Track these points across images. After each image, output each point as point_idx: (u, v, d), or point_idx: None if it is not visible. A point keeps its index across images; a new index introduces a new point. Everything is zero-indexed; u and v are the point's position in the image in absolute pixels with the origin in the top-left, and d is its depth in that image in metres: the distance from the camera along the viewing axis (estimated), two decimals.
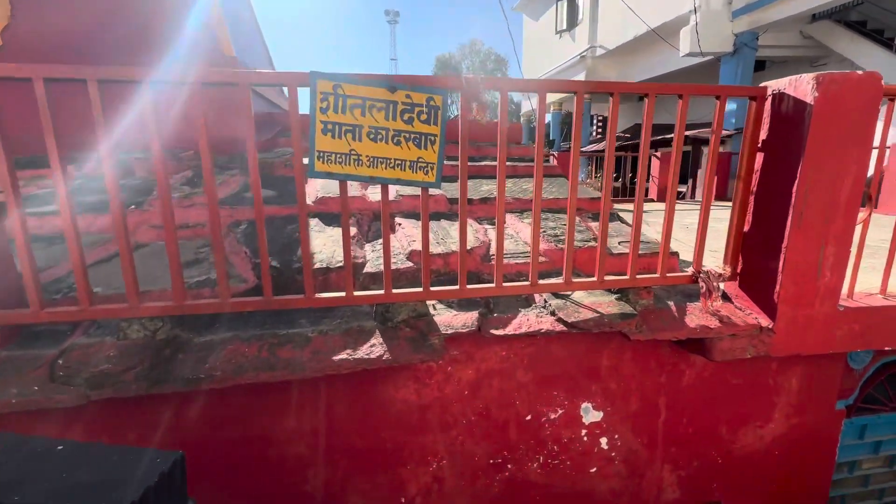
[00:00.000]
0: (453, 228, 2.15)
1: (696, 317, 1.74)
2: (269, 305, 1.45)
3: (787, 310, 1.68)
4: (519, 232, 2.22)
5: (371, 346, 1.47)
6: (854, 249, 1.72)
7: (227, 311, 1.44)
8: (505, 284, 1.60)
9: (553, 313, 1.68)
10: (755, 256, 1.76)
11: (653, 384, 1.92)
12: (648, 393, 1.92)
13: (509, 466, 1.88)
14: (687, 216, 5.19)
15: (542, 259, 1.97)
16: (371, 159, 1.40)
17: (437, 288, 1.56)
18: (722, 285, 1.81)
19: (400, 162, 1.42)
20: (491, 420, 1.80)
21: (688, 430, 2.02)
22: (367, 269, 1.82)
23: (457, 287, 1.56)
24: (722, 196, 7.91)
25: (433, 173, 1.45)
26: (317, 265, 1.76)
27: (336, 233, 2.07)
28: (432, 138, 1.43)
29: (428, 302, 1.69)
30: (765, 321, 1.72)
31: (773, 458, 2.14)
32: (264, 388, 1.54)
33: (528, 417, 1.84)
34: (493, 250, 1.87)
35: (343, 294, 1.50)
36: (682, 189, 9.58)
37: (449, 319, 1.61)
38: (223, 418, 1.58)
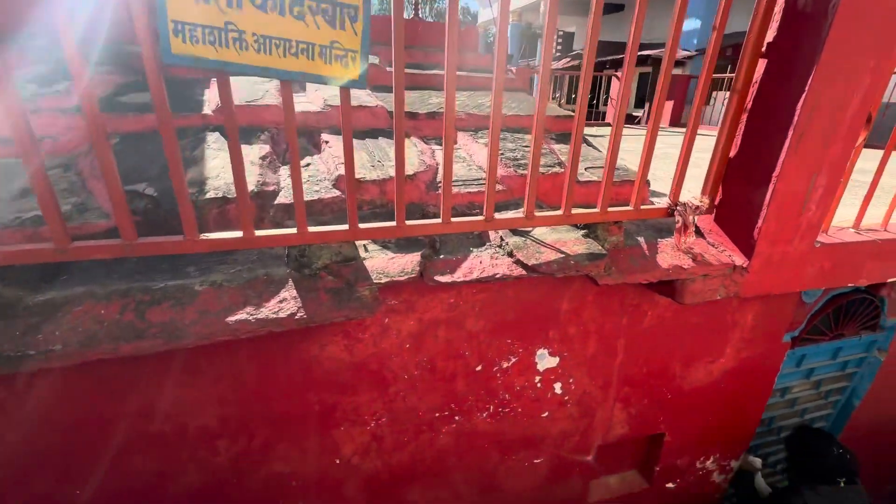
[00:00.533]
0: (394, 149, 1.76)
1: (669, 255, 1.54)
2: (130, 252, 1.05)
3: (765, 247, 1.51)
4: (473, 154, 1.87)
5: (280, 302, 1.14)
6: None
7: (68, 259, 1.02)
8: (454, 220, 1.28)
9: (511, 254, 1.40)
10: (738, 186, 1.54)
11: (613, 326, 1.76)
12: (608, 336, 1.77)
13: (457, 418, 1.71)
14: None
15: (499, 187, 1.65)
16: (260, 40, 0.96)
17: (368, 225, 1.21)
18: (696, 219, 1.60)
19: (305, 46, 0.99)
20: (436, 373, 1.59)
21: (643, 370, 1.93)
22: (281, 199, 1.42)
23: (393, 223, 1.23)
24: (676, 122, 7.80)
25: (356, 65, 1.03)
26: (210, 194, 1.34)
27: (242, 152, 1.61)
28: (352, 12, 0.99)
29: (358, 243, 1.35)
30: (739, 259, 1.55)
31: (718, 389, 2.14)
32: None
33: (479, 368, 1.64)
34: (441, 176, 1.52)
35: (239, 234, 1.12)
36: (638, 114, 9.37)
37: (384, 264, 1.29)
38: (90, 392, 1.23)
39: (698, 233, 1.68)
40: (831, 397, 2.66)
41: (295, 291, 1.17)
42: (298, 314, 1.12)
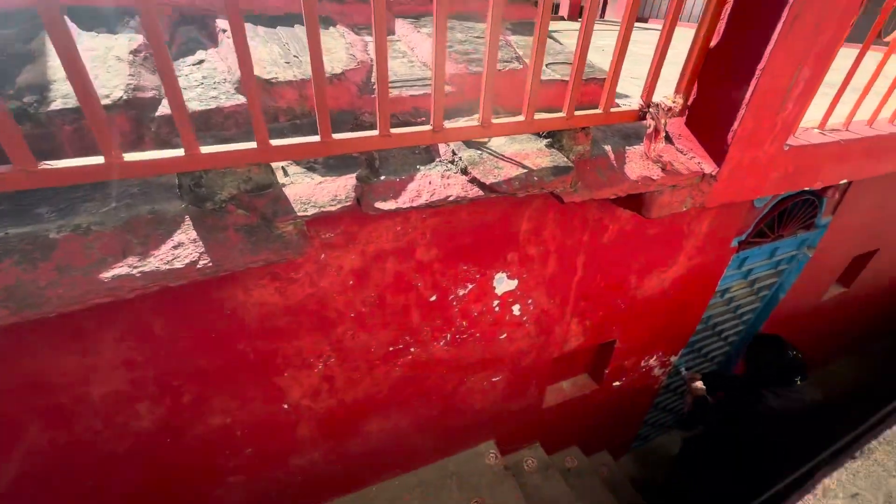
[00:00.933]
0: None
1: (637, 165, 1.39)
2: None
3: (737, 152, 1.40)
4: (414, 47, 1.54)
5: (175, 248, 0.88)
6: None
7: None
8: (394, 131, 1.02)
9: (465, 171, 1.19)
10: (715, 83, 1.37)
11: (574, 244, 1.66)
12: (568, 254, 1.68)
13: (413, 350, 1.62)
14: (600, 37, 4.64)
15: (448, 89, 1.37)
16: None
17: (284, 141, 0.94)
18: (667, 122, 1.44)
19: None
20: (387, 308, 1.44)
21: (600, 285, 1.89)
22: (165, 108, 1.08)
23: (317, 138, 0.96)
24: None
25: None
26: (57, 104, 0.98)
27: (101, 45, 1.20)
28: None
29: (276, 165, 1.08)
30: (709, 167, 1.44)
31: (667, 295, 2.19)
32: None
33: (433, 298, 1.50)
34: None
35: (99, 161, 0.81)
36: None
37: (310, 191, 1.04)
38: None
39: (667, 138, 1.53)
40: (761, 293, 2.86)
41: (194, 232, 0.91)
42: (201, 262, 0.88)
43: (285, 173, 1.07)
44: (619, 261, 1.85)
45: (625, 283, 1.97)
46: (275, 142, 0.93)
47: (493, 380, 1.98)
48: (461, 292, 1.54)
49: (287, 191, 1.01)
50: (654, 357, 2.61)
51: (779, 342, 2.31)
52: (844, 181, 1.93)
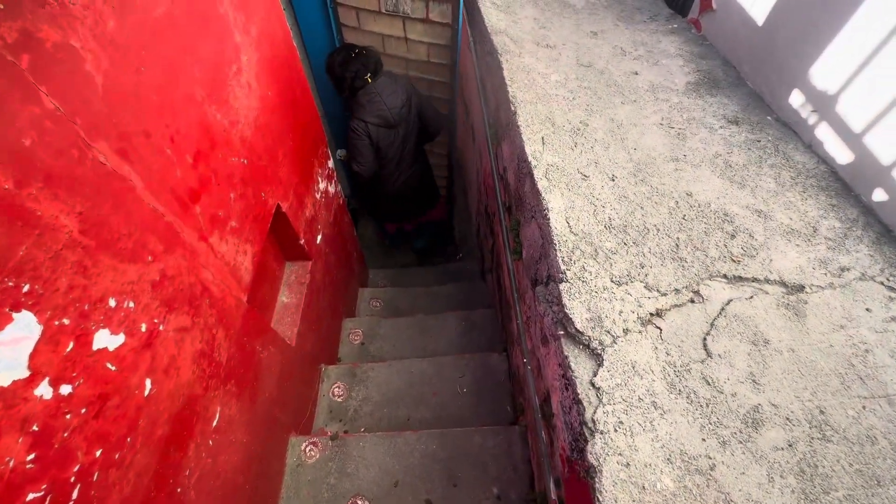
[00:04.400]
0: None
1: None
2: None
3: None
4: None
5: None
6: None
7: None
8: None
9: None
10: None
11: (83, 166, 0.68)
12: (91, 188, 0.71)
13: None
14: None
15: None
16: None
17: None
18: None
19: None
20: None
21: (192, 167, 1.03)
22: None
23: None
24: None
25: None
26: None
27: None
28: None
29: None
30: None
31: (268, 97, 1.50)
32: None
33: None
34: None
35: None
36: None
37: None
38: None
39: None
40: None
41: None
42: None
43: None
44: (177, 109, 0.97)
45: (214, 131, 1.14)
46: None
47: (229, 411, 1.14)
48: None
49: None
50: (318, 176, 2.08)
51: (339, 49, 2.21)
52: None
